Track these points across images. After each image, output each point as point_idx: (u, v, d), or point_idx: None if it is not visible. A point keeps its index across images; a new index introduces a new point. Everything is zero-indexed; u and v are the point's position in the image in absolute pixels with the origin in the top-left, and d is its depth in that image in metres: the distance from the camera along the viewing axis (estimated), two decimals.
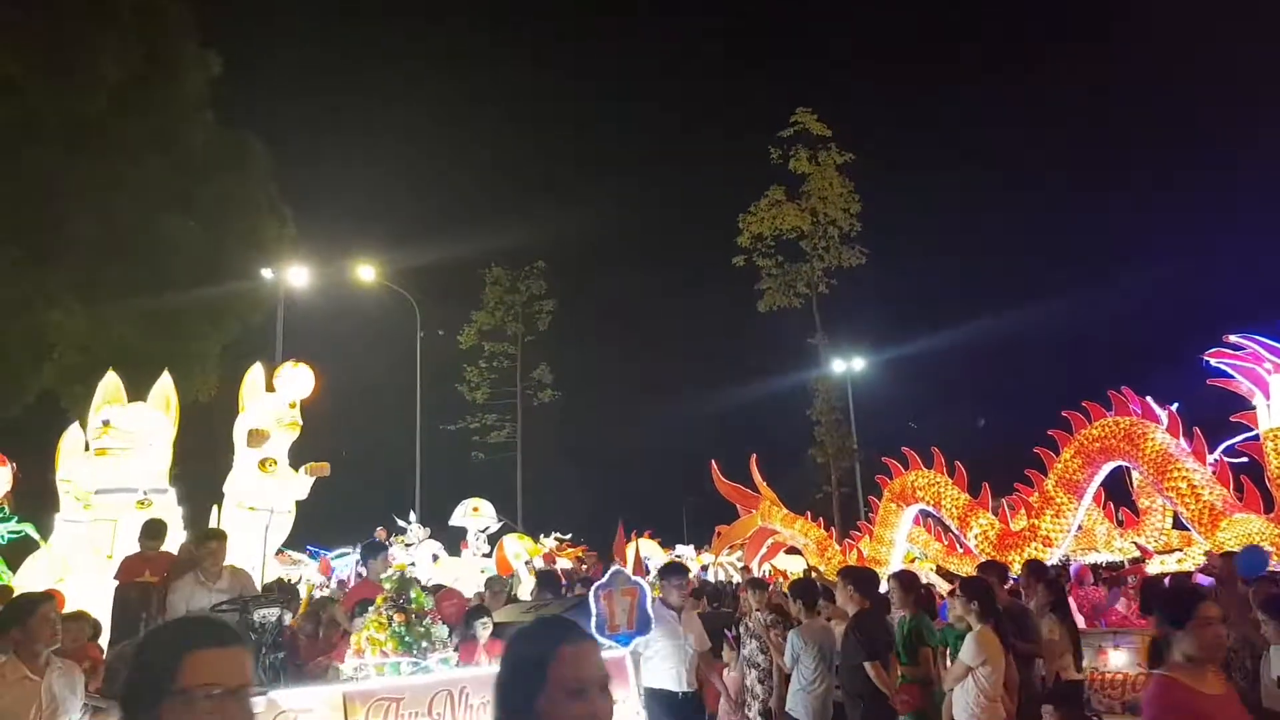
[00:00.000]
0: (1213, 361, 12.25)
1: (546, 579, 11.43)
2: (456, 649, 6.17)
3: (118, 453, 11.38)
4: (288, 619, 6.27)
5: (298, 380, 13.04)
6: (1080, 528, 14.76)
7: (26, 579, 11.20)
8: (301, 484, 12.66)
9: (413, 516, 17.31)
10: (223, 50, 21.36)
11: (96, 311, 18.82)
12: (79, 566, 11.20)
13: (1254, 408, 12.13)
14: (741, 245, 30.92)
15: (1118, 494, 16.02)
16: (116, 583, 8.32)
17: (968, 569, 12.90)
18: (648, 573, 14.47)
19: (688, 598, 7.26)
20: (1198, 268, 25.67)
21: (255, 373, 13.11)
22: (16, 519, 12.31)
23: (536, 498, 34.88)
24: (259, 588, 8.58)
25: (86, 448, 12.16)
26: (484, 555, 19.03)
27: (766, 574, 18.06)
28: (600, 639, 5.74)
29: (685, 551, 24.49)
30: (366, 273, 27.45)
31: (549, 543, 20.00)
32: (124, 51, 18.74)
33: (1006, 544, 14.34)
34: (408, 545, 13.96)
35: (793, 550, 20.54)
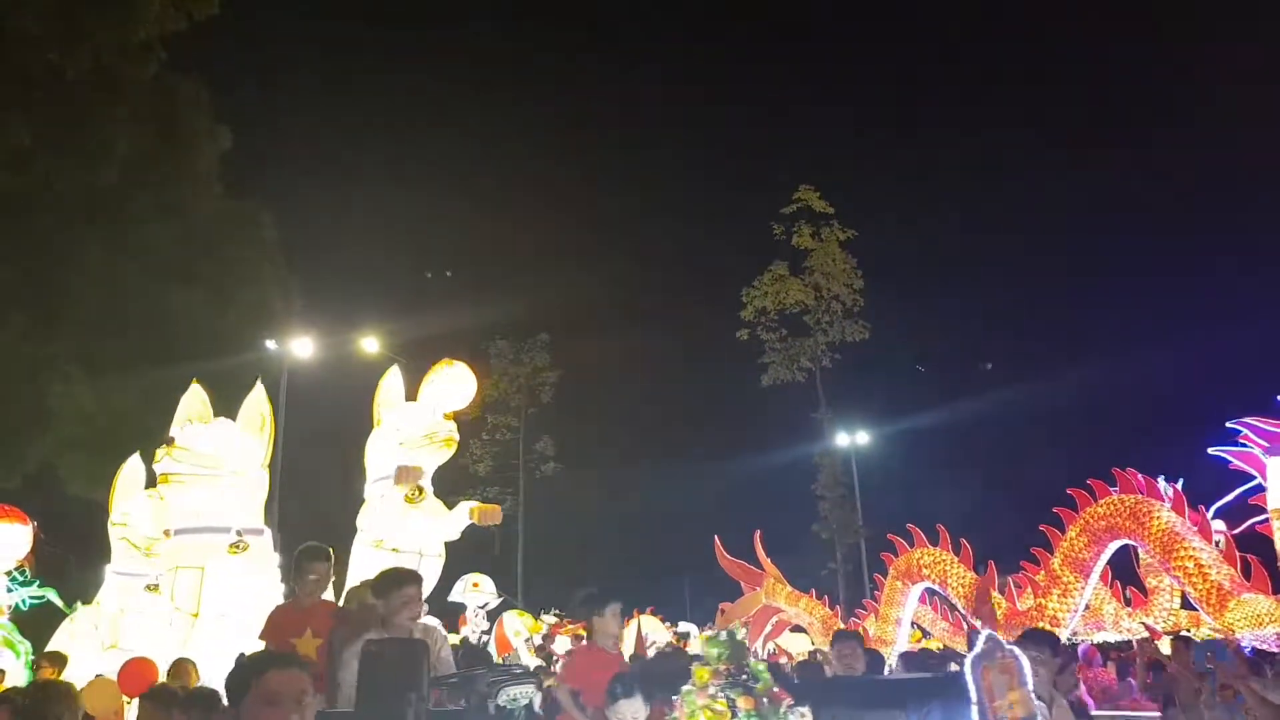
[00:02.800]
0: (1212, 451, 12.29)
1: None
2: None
3: (186, 481, 9.45)
4: (538, 701, 4.82)
5: (456, 384, 10.49)
6: (1087, 607, 14.53)
7: (63, 648, 10.18)
8: (455, 521, 10.19)
9: None
10: (233, 123, 21.82)
11: (98, 382, 18.88)
12: (134, 630, 9.91)
13: (1264, 489, 12.06)
14: (745, 319, 31.10)
15: (1125, 573, 15.82)
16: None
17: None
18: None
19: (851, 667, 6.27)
20: (1203, 346, 25.70)
21: (394, 377, 10.75)
22: (39, 583, 11.56)
23: (538, 572, 34.49)
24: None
25: (150, 484, 10.70)
26: (483, 633, 18.72)
27: (770, 653, 17.75)
28: None
29: (689, 629, 24.12)
30: (370, 344, 27.56)
31: (549, 619, 19.71)
32: (135, 125, 19.12)
33: (1013, 623, 14.10)
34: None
35: (797, 629, 20.21)
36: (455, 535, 10.35)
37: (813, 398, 30.83)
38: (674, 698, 4.09)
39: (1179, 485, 13.17)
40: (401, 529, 9.76)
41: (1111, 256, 31.54)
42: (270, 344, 22.52)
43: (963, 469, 27.99)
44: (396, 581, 5.02)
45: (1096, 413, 28.98)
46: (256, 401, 10.41)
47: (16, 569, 11.40)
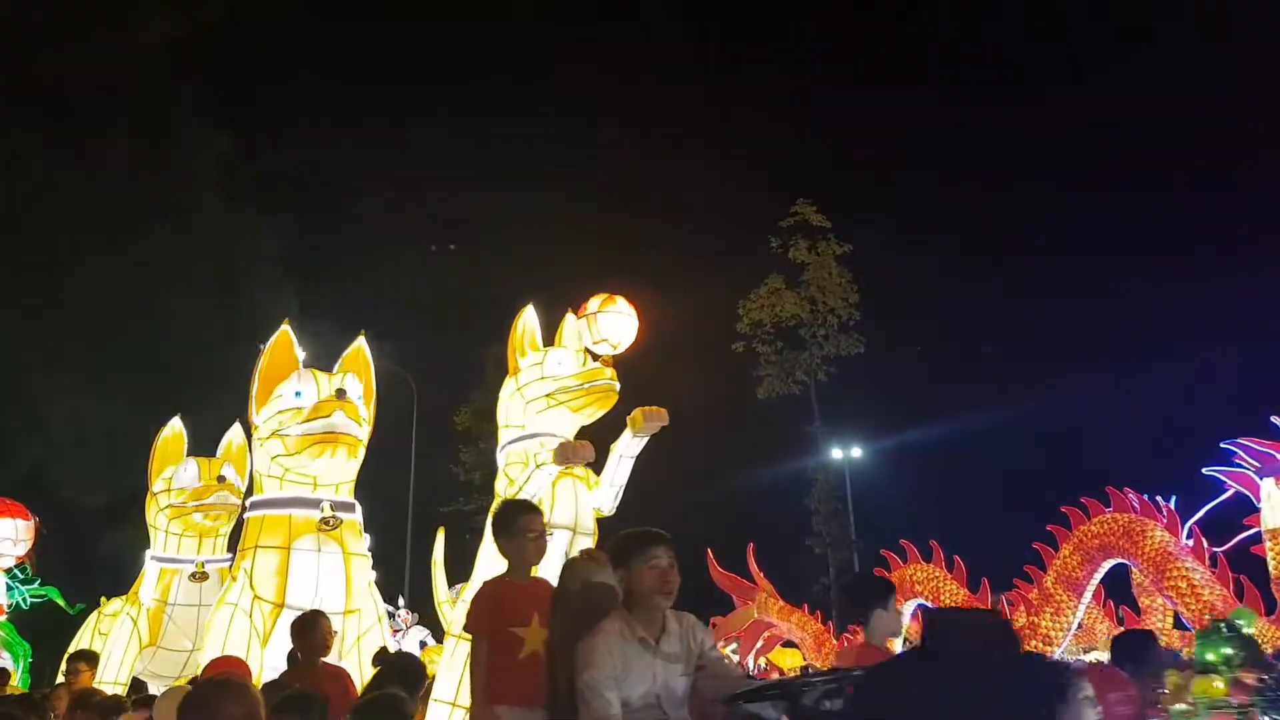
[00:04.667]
0: (1205, 471, 12.34)
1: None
2: None
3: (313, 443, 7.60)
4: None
5: (615, 320, 8.26)
6: (1080, 625, 14.52)
7: (87, 647, 9.27)
8: (606, 492, 8.47)
9: (401, 602, 16.95)
10: (234, 126, 21.86)
11: (92, 385, 18.85)
12: (179, 625, 9.04)
13: (1258, 509, 12.08)
14: (740, 331, 31.11)
15: (1119, 592, 15.81)
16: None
17: None
18: None
19: None
20: (1200, 364, 25.75)
21: (528, 318, 8.87)
22: (39, 581, 11.05)
23: None
24: None
25: (195, 451, 9.65)
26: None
27: (762, 669, 17.69)
28: None
29: None
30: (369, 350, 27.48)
31: None
32: (135, 130, 19.15)
33: None
34: (395, 632, 13.24)
35: (790, 644, 20.15)
36: (610, 509, 8.52)
37: (807, 411, 30.83)
38: None
39: (1173, 505, 13.19)
40: (555, 502, 7.93)
41: (1109, 273, 31.59)
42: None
43: (957, 485, 27.97)
44: (641, 541, 3.57)
45: (1092, 430, 28.98)
46: (361, 347, 8.91)
47: (17, 566, 10.93)
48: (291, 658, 5.99)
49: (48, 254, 18.07)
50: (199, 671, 7.22)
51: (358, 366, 8.78)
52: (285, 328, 8.49)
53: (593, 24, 33.07)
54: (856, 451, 31.97)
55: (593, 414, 8.35)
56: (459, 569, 8.79)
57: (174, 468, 9.80)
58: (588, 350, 8.43)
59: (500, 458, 8.57)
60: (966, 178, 32.98)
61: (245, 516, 8.27)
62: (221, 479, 9.64)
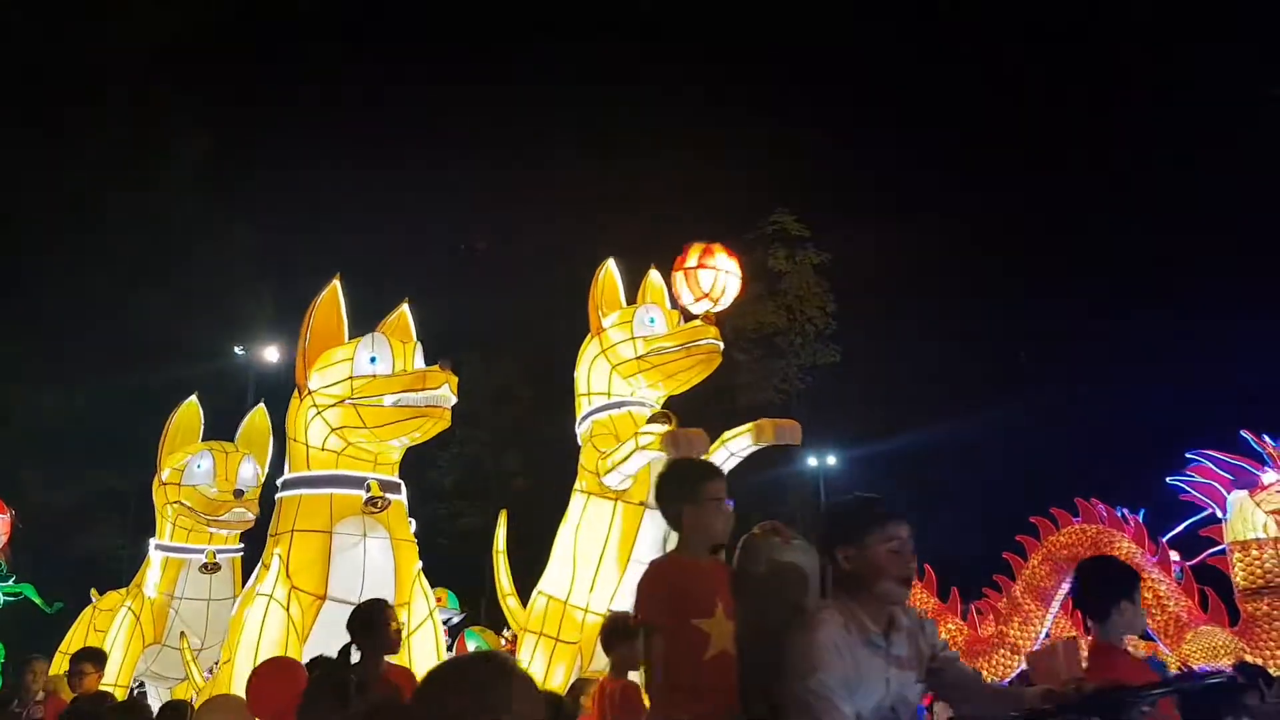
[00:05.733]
0: (1170, 481, 12.50)
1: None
2: None
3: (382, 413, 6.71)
4: None
5: (718, 278, 7.42)
6: (1049, 635, 14.65)
7: (81, 645, 8.48)
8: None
9: None
10: (215, 128, 21.73)
11: (60, 382, 18.68)
12: (186, 621, 8.38)
13: (1221, 521, 12.25)
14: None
15: None
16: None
17: None
18: None
19: None
20: (1168, 377, 26.08)
21: (610, 270, 8.19)
22: (14, 578, 10.46)
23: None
24: None
25: (211, 436, 8.93)
26: (446, 649, 18.51)
27: None
28: None
29: None
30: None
31: (509, 635, 19.59)
32: (111, 128, 19.01)
33: (975, 650, 14.19)
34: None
35: None
36: None
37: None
38: None
39: (1140, 516, 13.36)
40: (650, 479, 7.06)
41: (1080, 286, 31.91)
42: (239, 350, 22.29)
43: (928, 494, 28.13)
44: (879, 513, 2.83)
45: (1061, 441, 29.24)
46: (404, 315, 8.11)
47: None
48: (341, 657, 4.88)
49: (14, 246, 17.88)
50: (229, 671, 6.60)
51: (401, 337, 7.79)
52: (335, 283, 7.56)
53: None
54: (832, 460, 32.17)
55: (690, 380, 7.58)
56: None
57: (188, 456, 8.92)
58: (679, 310, 7.75)
59: (582, 428, 7.87)
60: (948, 186, 33.22)
61: (279, 496, 7.31)
62: (239, 493, 8.73)
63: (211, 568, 8.83)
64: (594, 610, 7.57)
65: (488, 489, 37.07)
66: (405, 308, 8.12)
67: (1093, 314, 31.81)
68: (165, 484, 8.99)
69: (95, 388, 19.04)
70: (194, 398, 9.67)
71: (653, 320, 7.56)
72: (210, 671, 8.36)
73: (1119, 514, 13.29)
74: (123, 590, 9.59)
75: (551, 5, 33.26)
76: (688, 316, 7.64)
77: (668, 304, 7.78)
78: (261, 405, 9.79)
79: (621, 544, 7.58)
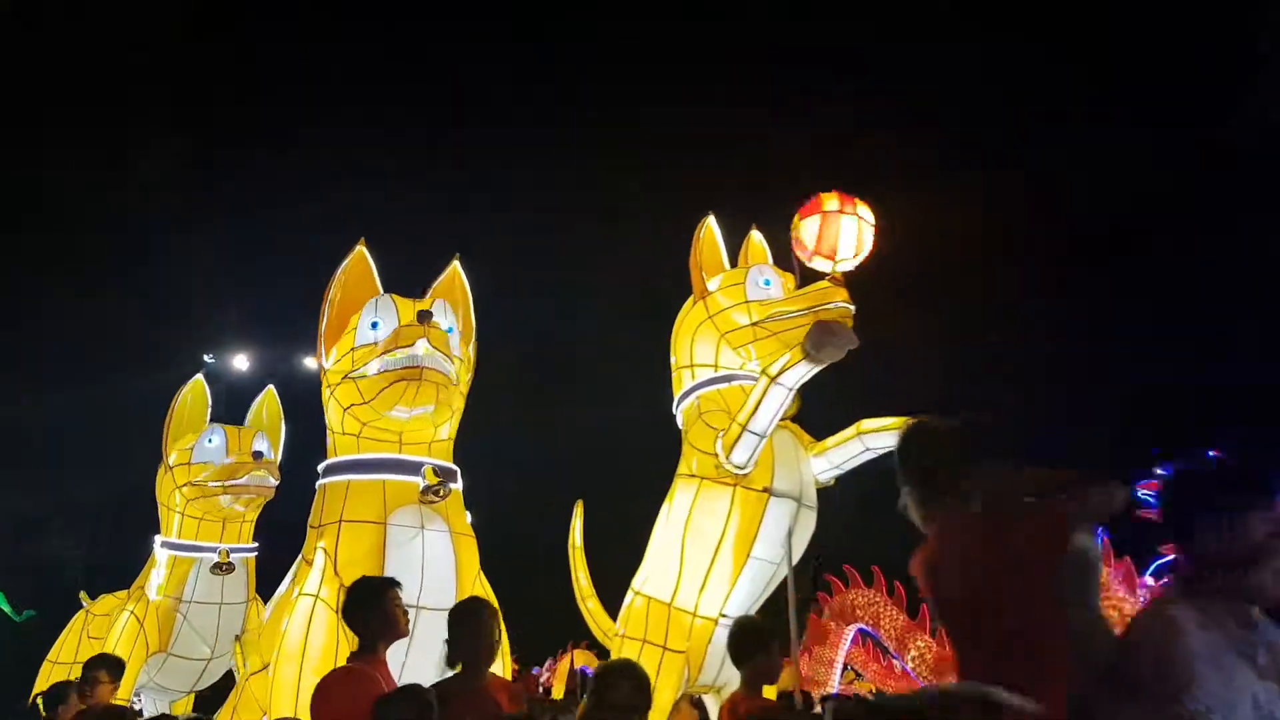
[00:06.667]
0: (1140, 493, 12.54)
1: None
2: None
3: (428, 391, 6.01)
4: None
5: (857, 232, 6.23)
6: None
7: (76, 653, 8.04)
8: (836, 455, 7.02)
9: None
10: (189, 130, 21.48)
11: (18, 387, 18.39)
12: (195, 627, 7.71)
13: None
14: None
15: None
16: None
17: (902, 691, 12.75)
18: (582, 686, 14.01)
19: None
20: (1146, 385, 26.28)
21: (710, 228, 7.34)
22: None
23: None
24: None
25: (219, 418, 8.24)
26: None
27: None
28: None
29: None
30: (313, 361, 27.04)
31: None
32: (81, 131, 18.79)
33: (943, 668, 14.22)
34: None
35: None
36: (829, 479, 7.12)
37: None
38: None
39: (1104, 535, 13.43)
40: (775, 463, 6.34)
41: (1054, 288, 32.14)
42: (208, 358, 21.97)
43: (898, 512, 28.17)
44: (1257, 486, 2.24)
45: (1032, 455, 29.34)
46: (454, 274, 7.22)
47: None
48: (441, 670, 4.18)
49: None
50: (264, 682, 5.95)
51: (453, 297, 7.06)
52: (361, 247, 6.80)
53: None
54: None
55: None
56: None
57: (195, 436, 8.24)
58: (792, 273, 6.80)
59: (687, 403, 7.05)
60: (930, 187, 33.39)
61: (321, 484, 6.57)
62: (258, 455, 8.10)
63: (226, 568, 8.03)
64: (703, 614, 6.75)
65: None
66: (456, 264, 7.27)
67: (1080, 321, 31.95)
68: (173, 468, 8.21)
69: (55, 393, 18.76)
70: (200, 376, 9.05)
71: (767, 282, 6.69)
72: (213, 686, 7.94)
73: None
74: (120, 593, 8.81)
75: None
76: (803, 279, 6.56)
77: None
78: (271, 388, 9.22)
79: (739, 538, 6.68)
